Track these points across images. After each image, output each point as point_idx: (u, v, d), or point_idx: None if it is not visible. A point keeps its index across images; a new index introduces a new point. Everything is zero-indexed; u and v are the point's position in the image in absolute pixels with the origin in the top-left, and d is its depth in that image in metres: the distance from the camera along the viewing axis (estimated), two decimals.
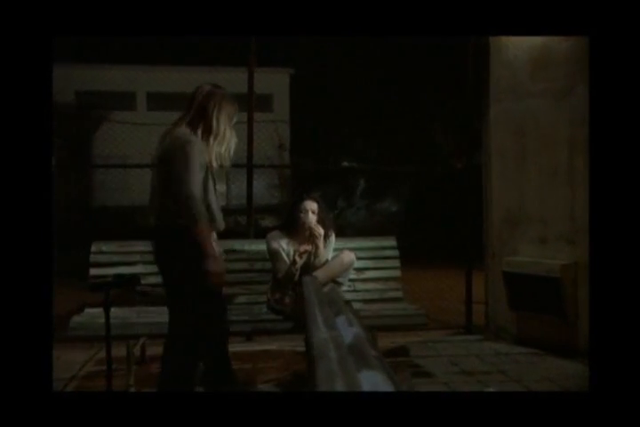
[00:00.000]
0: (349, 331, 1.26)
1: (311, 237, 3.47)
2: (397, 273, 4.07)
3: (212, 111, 2.72)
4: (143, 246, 3.88)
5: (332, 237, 3.62)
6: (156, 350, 4.14)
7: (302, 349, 4.32)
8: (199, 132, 2.70)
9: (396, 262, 4.07)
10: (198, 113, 2.73)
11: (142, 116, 15.69)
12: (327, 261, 3.54)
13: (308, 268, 3.50)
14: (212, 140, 2.70)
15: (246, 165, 4.68)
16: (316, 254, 3.52)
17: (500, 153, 4.51)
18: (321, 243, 3.50)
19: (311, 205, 3.55)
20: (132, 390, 3.37)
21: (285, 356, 4.15)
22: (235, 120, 2.82)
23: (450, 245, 6.92)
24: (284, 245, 3.55)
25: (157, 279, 3.74)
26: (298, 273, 3.46)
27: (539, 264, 4.12)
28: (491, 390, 2.99)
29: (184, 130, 2.68)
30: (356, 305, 3.70)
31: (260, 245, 3.99)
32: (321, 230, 3.47)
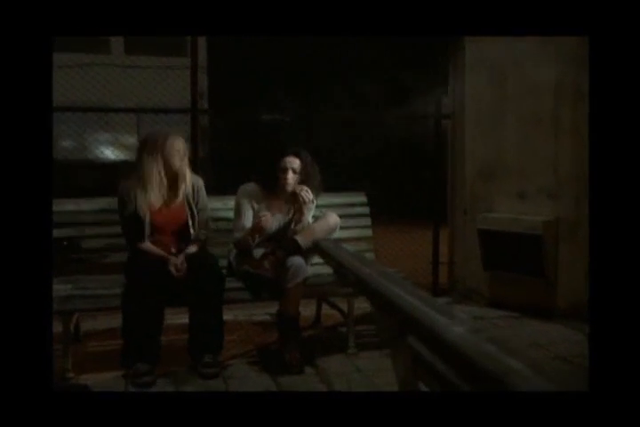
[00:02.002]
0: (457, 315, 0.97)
1: (297, 204, 3.12)
2: (369, 232, 3.78)
3: (143, 160, 2.95)
4: (74, 206, 3.39)
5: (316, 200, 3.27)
6: (90, 325, 3.72)
7: (260, 318, 4.00)
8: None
9: (367, 221, 3.78)
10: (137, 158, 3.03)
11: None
12: (308, 223, 3.20)
13: (286, 233, 3.17)
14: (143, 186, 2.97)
15: (190, 110, 4.21)
16: (298, 221, 3.16)
17: (476, 99, 4.25)
18: (307, 210, 3.15)
19: (292, 163, 3.14)
20: (71, 375, 2.94)
21: (243, 327, 3.82)
22: (183, 159, 3.01)
23: (402, 200, 6.73)
24: (255, 204, 3.18)
25: (93, 243, 3.32)
26: (254, 244, 3.12)
27: (518, 221, 3.94)
28: None
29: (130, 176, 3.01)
30: (325, 269, 3.40)
31: (213, 203, 3.59)
32: (310, 196, 3.10)
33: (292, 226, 3.19)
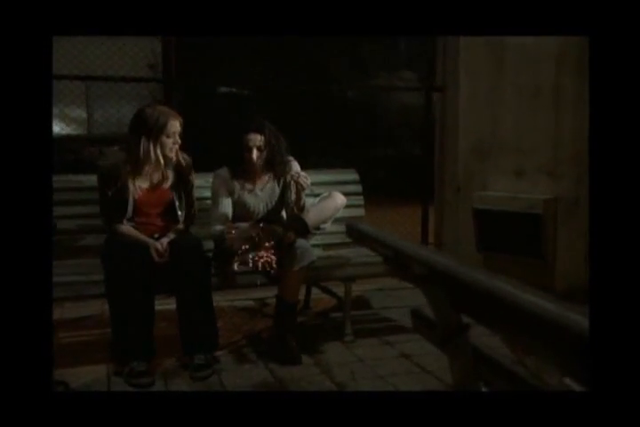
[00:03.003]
0: None
1: (298, 189, 2.98)
2: (361, 212, 3.64)
3: (138, 134, 2.76)
4: None
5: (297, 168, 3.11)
6: (57, 314, 3.50)
7: (243, 304, 3.85)
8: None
9: (360, 200, 3.63)
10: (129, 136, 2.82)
11: None
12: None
13: (277, 213, 3.10)
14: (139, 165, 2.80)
15: (163, 81, 3.98)
16: (300, 206, 3.01)
17: (470, 70, 4.12)
18: (304, 193, 3.00)
19: (254, 140, 2.97)
20: None
21: (227, 314, 3.65)
22: (178, 142, 2.83)
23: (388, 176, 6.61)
24: (232, 188, 3.05)
25: (63, 225, 3.10)
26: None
27: (517, 200, 3.86)
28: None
29: (113, 153, 2.88)
30: (315, 251, 3.26)
31: (195, 181, 3.40)
32: (308, 181, 2.95)
33: (296, 210, 3.03)
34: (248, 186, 3.06)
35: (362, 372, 2.80)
